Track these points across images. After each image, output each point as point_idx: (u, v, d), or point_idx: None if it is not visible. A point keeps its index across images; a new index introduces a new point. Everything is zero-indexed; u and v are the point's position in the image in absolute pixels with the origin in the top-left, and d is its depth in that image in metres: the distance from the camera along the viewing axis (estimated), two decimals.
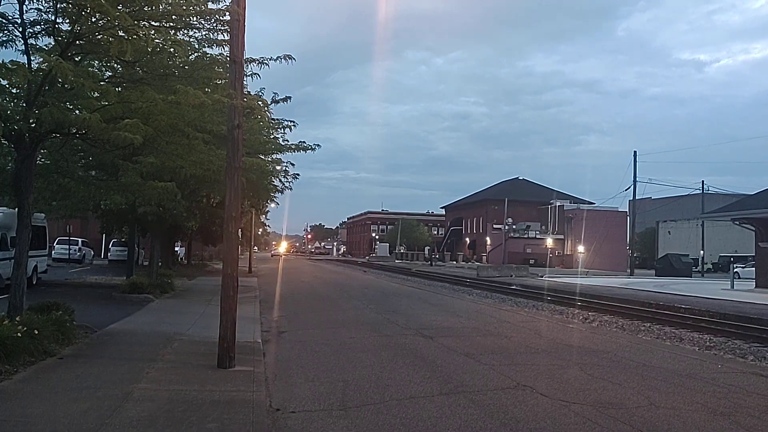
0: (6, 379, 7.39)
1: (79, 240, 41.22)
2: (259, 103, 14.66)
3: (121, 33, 8.35)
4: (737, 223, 33.58)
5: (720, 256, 67.84)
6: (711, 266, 67.34)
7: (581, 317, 19.37)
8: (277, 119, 20.56)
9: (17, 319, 8.89)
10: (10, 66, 8.08)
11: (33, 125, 9.14)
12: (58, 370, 8.13)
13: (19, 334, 8.19)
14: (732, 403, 7.67)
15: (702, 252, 62.59)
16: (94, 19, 8.57)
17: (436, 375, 8.96)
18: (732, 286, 31.54)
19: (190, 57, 11.90)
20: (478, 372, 9.22)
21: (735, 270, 36.52)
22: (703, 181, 60.87)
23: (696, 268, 58.76)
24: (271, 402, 7.15)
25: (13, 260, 10.24)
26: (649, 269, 63.58)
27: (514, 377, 8.82)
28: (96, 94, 9.66)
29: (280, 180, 25.01)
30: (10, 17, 9.11)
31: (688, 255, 59.35)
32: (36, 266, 20.43)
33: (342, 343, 11.77)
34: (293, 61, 10.45)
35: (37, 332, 8.67)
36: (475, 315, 17.54)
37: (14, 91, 9.41)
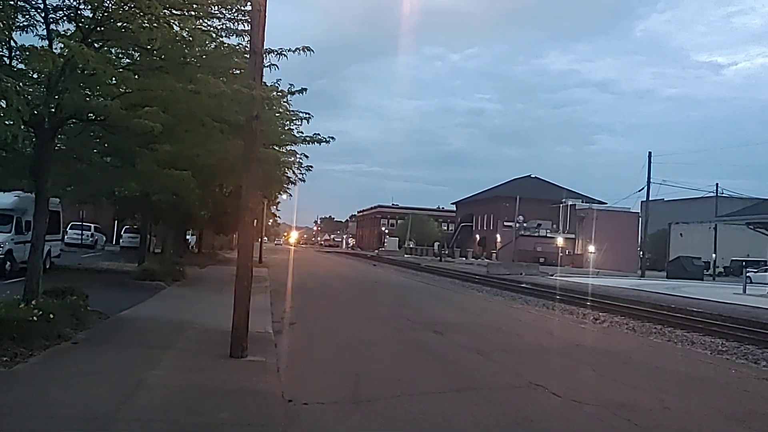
0: (21, 362, 7.45)
1: (92, 225, 41.52)
2: (278, 93, 14.62)
3: (146, 21, 8.33)
4: (751, 227, 33.29)
5: (732, 260, 67.10)
6: (723, 270, 66.65)
7: (592, 317, 19.26)
8: (293, 111, 20.53)
9: (33, 302, 8.95)
10: (39, 51, 8.07)
11: (53, 110, 9.18)
12: (72, 354, 8.19)
13: (35, 318, 8.26)
14: (747, 408, 7.60)
15: (714, 255, 61.97)
16: (126, 7, 8.45)
17: (447, 371, 8.94)
18: (744, 291, 31.29)
19: (209, 46, 11.87)
20: (490, 369, 9.21)
21: (747, 274, 36.22)
22: (717, 184, 59.92)
23: (708, 271, 58.20)
24: (284, 393, 7.15)
25: (29, 244, 10.30)
26: (660, 271, 63.07)
27: (525, 376, 8.78)
28: (114, 81, 9.67)
29: (294, 172, 25.03)
30: (33, 2, 9.14)
31: (700, 258, 58.77)
32: (50, 250, 20.53)
33: (353, 336, 11.78)
34: (311, 53, 10.42)
35: (52, 316, 8.74)
36: (485, 312, 17.51)
37: (35, 76, 9.44)
